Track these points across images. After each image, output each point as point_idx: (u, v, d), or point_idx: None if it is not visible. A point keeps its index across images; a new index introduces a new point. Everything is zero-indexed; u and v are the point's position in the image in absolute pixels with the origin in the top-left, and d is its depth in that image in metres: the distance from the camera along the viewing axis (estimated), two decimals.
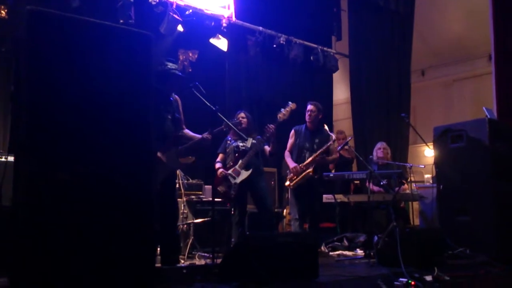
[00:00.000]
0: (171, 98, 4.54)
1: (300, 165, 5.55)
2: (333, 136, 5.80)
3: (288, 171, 5.79)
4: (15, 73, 2.58)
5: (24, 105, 2.44)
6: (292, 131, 5.81)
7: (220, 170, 5.25)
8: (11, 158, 4.03)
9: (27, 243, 2.41)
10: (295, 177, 5.57)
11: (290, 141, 5.78)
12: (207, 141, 4.51)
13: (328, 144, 5.62)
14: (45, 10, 2.55)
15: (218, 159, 5.40)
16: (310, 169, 5.51)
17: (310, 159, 5.56)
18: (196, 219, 5.71)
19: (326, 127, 5.76)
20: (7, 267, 2.54)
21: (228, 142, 5.46)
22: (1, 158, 4.27)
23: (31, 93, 2.45)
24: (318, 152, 5.56)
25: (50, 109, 2.49)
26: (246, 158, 5.20)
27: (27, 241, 2.41)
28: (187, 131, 4.68)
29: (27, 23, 2.47)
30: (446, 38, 9.96)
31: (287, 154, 5.80)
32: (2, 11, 5.58)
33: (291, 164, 5.64)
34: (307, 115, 5.75)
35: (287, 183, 5.66)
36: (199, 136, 4.55)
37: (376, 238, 4.82)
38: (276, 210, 6.98)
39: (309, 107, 5.79)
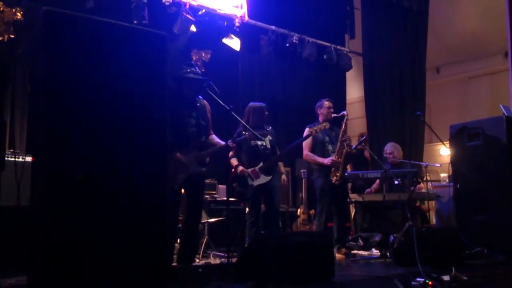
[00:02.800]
0: (198, 104, 4.54)
1: (335, 157, 5.49)
2: (345, 112, 5.76)
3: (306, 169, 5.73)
4: (32, 74, 2.60)
5: (41, 105, 2.46)
6: (307, 130, 5.67)
7: (241, 168, 5.12)
8: (28, 159, 4.08)
9: (44, 242, 2.43)
10: (337, 171, 5.47)
11: (308, 141, 5.63)
12: (230, 149, 4.53)
13: (345, 120, 5.62)
14: (61, 11, 2.56)
15: (231, 153, 5.20)
16: (345, 148, 5.48)
17: (338, 145, 5.53)
18: (210, 218, 5.72)
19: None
20: (25, 265, 2.56)
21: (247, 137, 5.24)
22: (19, 158, 4.31)
23: (48, 93, 2.47)
24: (341, 133, 5.55)
25: (66, 109, 2.51)
26: (269, 163, 5.13)
27: (44, 240, 2.43)
28: (213, 137, 4.67)
29: (43, 24, 2.49)
30: (461, 35, 9.84)
31: (310, 154, 5.68)
32: (18, 13, 5.63)
33: (325, 160, 5.54)
34: (329, 111, 5.74)
35: (334, 180, 5.47)
36: (222, 143, 4.53)
37: (392, 237, 4.78)
38: (290, 209, 6.96)
39: (329, 103, 5.79)
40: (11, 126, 5.05)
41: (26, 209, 2.81)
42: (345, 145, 5.54)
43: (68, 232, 2.47)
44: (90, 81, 2.61)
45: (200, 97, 4.60)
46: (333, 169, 5.50)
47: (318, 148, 5.67)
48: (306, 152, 5.71)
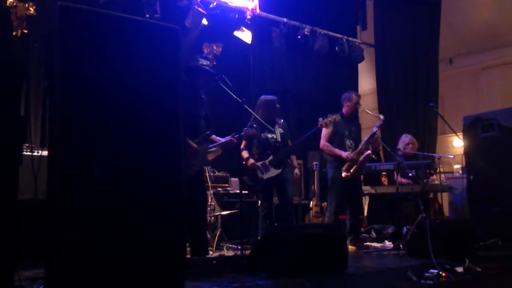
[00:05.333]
0: (202, 96, 4.56)
1: (354, 153, 5.46)
2: (382, 116, 5.69)
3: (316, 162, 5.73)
4: (49, 69, 2.63)
5: (57, 99, 2.49)
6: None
7: (251, 161, 5.11)
8: (44, 152, 4.13)
9: (61, 235, 2.47)
10: (352, 166, 5.44)
11: (327, 131, 5.56)
12: (233, 144, 4.53)
13: (379, 124, 5.58)
14: (76, 6, 2.58)
15: (243, 145, 5.20)
16: (369, 151, 5.45)
17: (362, 144, 5.48)
18: (223, 211, 5.75)
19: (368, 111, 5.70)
20: (43, 258, 2.60)
21: (255, 130, 5.22)
22: (35, 152, 4.36)
23: (64, 87, 2.49)
24: (370, 135, 5.49)
25: (82, 103, 2.53)
26: (279, 156, 5.13)
27: (61, 233, 2.47)
28: (212, 136, 4.66)
29: (59, 19, 2.51)
30: (475, 25, 9.73)
31: (328, 144, 5.60)
32: (31, 8, 5.68)
33: (343, 153, 5.48)
34: (355, 106, 5.73)
35: (344, 174, 5.45)
36: (222, 139, 4.55)
37: (405, 229, 4.79)
38: (302, 202, 6.97)
39: (358, 98, 5.76)
40: (26, 120, 5.13)
41: (43, 202, 2.85)
42: (370, 147, 5.51)
43: (85, 225, 2.50)
44: (105, 75, 2.63)
45: (202, 91, 4.61)
46: (347, 164, 5.47)
47: (336, 140, 5.60)
48: (324, 142, 5.63)
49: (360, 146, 5.50)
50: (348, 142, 5.58)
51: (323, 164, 6.27)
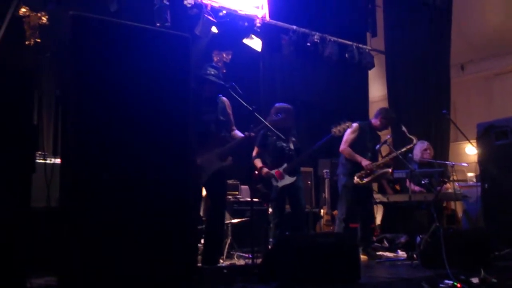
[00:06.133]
0: (217, 100, 4.54)
1: (373, 164, 5.39)
2: (415, 141, 5.60)
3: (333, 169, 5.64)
4: (60, 78, 2.64)
5: (69, 108, 2.49)
6: (356, 126, 5.52)
7: (266, 170, 5.08)
8: (57, 160, 4.14)
9: (74, 243, 2.46)
10: (368, 175, 5.38)
11: (352, 136, 5.49)
12: (249, 139, 4.49)
13: (410, 147, 5.54)
14: (88, 15, 2.60)
15: (255, 153, 5.18)
16: (390, 170, 5.39)
17: (384, 160, 5.44)
18: (233, 219, 5.72)
19: (404, 128, 5.57)
20: (56, 266, 2.60)
21: (269, 137, 5.19)
22: (48, 160, 4.37)
23: (76, 96, 2.50)
24: (397, 153, 5.42)
25: (94, 111, 2.54)
26: (293, 164, 5.10)
27: (74, 240, 2.46)
28: (236, 132, 4.64)
29: (71, 28, 2.52)
30: (486, 31, 9.65)
31: (349, 150, 5.51)
32: (43, 18, 5.73)
33: (364, 161, 5.39)
34: (388, 126, 5.75)
35: (356, 180, 5.39)
36: (242, 135, 4.52)
37: (418, 239, 4.72)
38: (313, 210, 6.92)
39: (395, 119, 5.80)
40: (38, 128, 5.15)
41: (55, 210, 2.85)
42: (391, 165, 5.46)
43: (96, 233, 2.50)
44: (116, 83, 2.64)
45: (219, 95, 4.60)
46: (362, 172, 5.40)
47: (357, 148, 5.51)
48: (345, 146, 5.53)
49: (380, 161, 5.45)
50: (369, 154, 5.52)
51: (333, 171, 6.21)
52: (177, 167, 2.84)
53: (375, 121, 5.68)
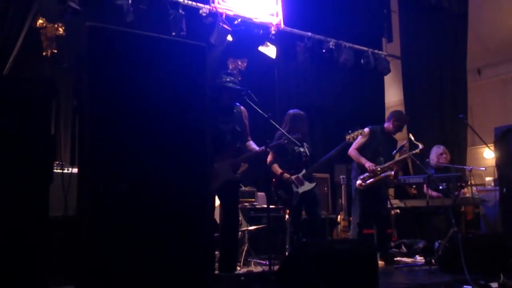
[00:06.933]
0: (234, 110, 4.57)
1: (377, 167, 5.39)
2: (421, 146, 5.53)
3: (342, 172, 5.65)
4: (77, 88, 2.69)
5: (87, 118, 2.53)
6: (367, 130, 5.54)
7: (287, 175, 5.09)
8: (74, 170, 4.19)
9: (91, 252, 2.49)
10: (370, 178, 5.39)
11: (362, 140, 5.50)
12: (263, 155, 4.52)
13: (416, 152, 5.46)
14: (104, 26, 2.64)
15: (271, 158, 5.14)
16: (392, 172, 5.39)
17: (390, 163, 5.43)
18: (250, 226, 5.72)
19: (411, 136, 5.57)
20: (74, 275, 2.62)
21: (285, 143, 5.08)
22: (65, 170, 4.43)
23: (93, 106, 2.54)
24: (402, 157, 5.45)
25: (111, 121, 2.57)
26: (311, 170, 5.12)
27: (91, 250, 2.49)
28: (250, 143, 4.66)
29: (87, 39, 2.57)
30: (502, 35, 9.56)
31: (356, 152, 5.54)
32: (60, 29, 5.82)
33: (367, 163, 5.41)
34: (402, 128, 5.71)
35: (359, 182, 5.43)
36: (258, 148, 4.53)
37: (437, 244, 4.68)
38: (330, 216, 6.90)
39: (408, 120, 5.78)
40: (56, 138, 5.23)
41: (73, 219, 2.89)
42: (395, 169, 5.45)
43: (114, 242, 2.52)
44: (132, 93, 2.68)
45: (237, 104, 4.62)
46: (366, 175, 5.42)
47: (368, 153, 5.53)
48: (353, 148, 5.56)
49: (387, 164, 5.43)
50: (381, 158, 5.51)
51: (349, 177, 6.19)
52: (195, 176, 2.86)
53: (387, 125, 5.68)
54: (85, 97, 2.54)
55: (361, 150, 5.55)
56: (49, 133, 2.64)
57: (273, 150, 5.02)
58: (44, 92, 2.59)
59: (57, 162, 3.78)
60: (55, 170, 2.71)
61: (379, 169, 5.39)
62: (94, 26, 2.59)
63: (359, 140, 5.49)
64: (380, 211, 5.55)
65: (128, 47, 2.69)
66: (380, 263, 5.23)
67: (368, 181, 5.40)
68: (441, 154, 6.31)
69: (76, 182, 2.74)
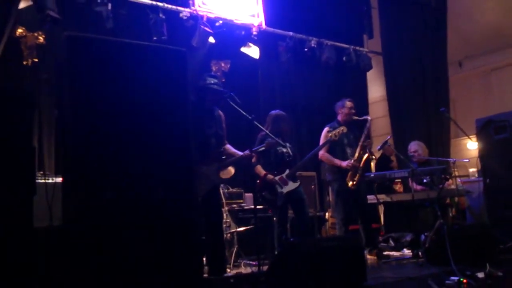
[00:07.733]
0: (215, 114, 4.59)
1: (353, 160, 5.42)
2: (369, 117, 5.68)
3: (327, 174, 5.70)
4: (59, 97, 2.68)
5: (68, 127, 2.53)
6: (325, 130, 5.61)
7: (271, 176, 5.10)
8: (58, 179, 4.18)
9: (77, 261, 2.49)
10: (355, 174, 5.41)
11: (324, 140, 5.52)
12: (248, 159, 4.54)
13: (368, 126, 5.54)
14: (83, 35, 2.64)
15: (254, 159, 5.11)
16: (367, 154, 5.44)
17: (358, 150, 5.46)
18: (238, 227, 5.73)
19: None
20: (60, 285, 2.62)
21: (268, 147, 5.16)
22: (49, 180, 4.41)
23: (74, 115, 2.54)
24: (363, 138, 5.49)
25: (93, 129, 2.57)
26: (295, 169, 5.14)
27: (77, 259, 2.49)
28: (228, 146, 4.69)
29: (66, 49, 2.56)
30: (482, 27, 9.68)
31: (327, 155, 5.57)
32: (40, 37, 5.77)
33: (343, 162, 5.44)
34: (350, 111, 5.68)
35: (351, 183, 5.41)
36: (239, 153, 4.56)
37: (423, 236, 4.73)
38: (317, 213, 6.93)
39: (351, 103, 5.72)
40: (39, 148, 5.17)
41: (58, 229, 2.88)
42: (366, 150, 5.49)
43: (100, 250, 2.52)
44: (115, 101, 2.68)
45: (216, 107, 4.63)
46: (350, 173, 5.43)
47: (337, 150, 5.57)
48: (323, 152, 5.57)
49: (356, 153, 5.48)
50: (348, 150, 5.56)
51: (324, 173, 6.23)
52: (180, 180, 2.86)
53: (339, 117, 5.74)
54: (66, 107, 2.54)
55: (330, 151, 5.57)
56: (30, 145, 2.63)
57: (256, 153, 5.03)
58: (24, 104, 2.58)
59: (41, 173, 3.77)
60: (39, 181, 2.70)
61: (354, 162, 5.42)
62: (72, 35, 2.59)
63: (325, 142, 5.49)
64: (362, 205, 5.58)
65: (108, 55, 2.69)
66: (370, 257, 5.28)
67: (356, 178, 5.42)
68: (414, 151, 6.39)
69: (61, 191, 2.73)
